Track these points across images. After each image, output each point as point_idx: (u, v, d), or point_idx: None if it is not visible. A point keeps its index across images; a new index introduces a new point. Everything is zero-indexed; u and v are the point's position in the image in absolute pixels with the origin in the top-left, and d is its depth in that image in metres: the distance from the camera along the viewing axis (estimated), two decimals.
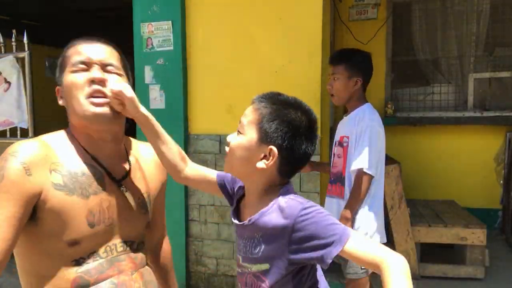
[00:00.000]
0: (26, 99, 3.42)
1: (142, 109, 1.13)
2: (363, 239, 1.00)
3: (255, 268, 1.05)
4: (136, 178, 1.23)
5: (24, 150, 1.03)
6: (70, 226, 1.04)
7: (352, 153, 2.05)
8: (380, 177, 2.11)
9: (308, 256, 0.98)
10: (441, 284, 3.16)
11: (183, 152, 1.23)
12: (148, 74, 2.95)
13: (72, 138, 1.14)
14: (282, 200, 1.02)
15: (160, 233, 1.41)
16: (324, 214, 0.98)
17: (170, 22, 2.86)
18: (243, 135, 1.04)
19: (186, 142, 2.97)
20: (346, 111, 2.24)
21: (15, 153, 1.02)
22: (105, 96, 1.09)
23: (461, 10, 4.37)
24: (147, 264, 1.24)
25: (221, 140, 2.90)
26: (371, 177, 2.00)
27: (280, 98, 1.05)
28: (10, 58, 3.42)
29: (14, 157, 1.01)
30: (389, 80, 4.61)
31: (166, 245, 1.45)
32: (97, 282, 1.08)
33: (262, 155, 1.01)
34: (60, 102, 1.17)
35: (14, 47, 3.41)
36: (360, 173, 1.99)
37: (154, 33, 2.91)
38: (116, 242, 1.15)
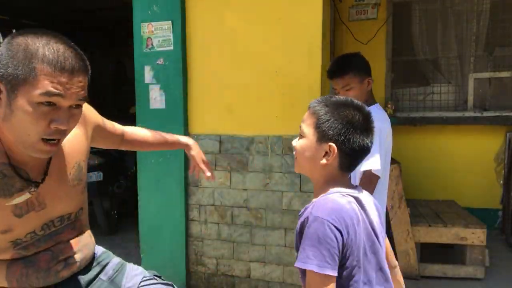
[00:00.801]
0: None
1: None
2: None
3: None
4: (60, 160, 1.20)
5: None
6: None
7: None
8: (384, 178, 2.10)
9: None
10: (441, 284, 3.16)
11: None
12: (148, 74, 2.95)
13: None
14: (315, 201, 1.12)
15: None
16: (312, 236, 1.04)
17: (170, 22, 2.86)
18: (304, 138, 1.17)
19: None
20: None
21: None
22: (60, 137, 1.03)
23: (461, 10, 4.37)
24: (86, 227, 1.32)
25: (221, 140, 2.90)
26: (378, 178, 2.00)
27: (332, 100, 1.17)
28: None
29: None
30: (389, 80, 4.61)
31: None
32: (34, 254, 1.17)
33: (324, 153, 1.14)
34: None
35: None
36: (368, 174, 1.98)
37: (154, 33, 2.91)
38: (53, 219, 1.21)
